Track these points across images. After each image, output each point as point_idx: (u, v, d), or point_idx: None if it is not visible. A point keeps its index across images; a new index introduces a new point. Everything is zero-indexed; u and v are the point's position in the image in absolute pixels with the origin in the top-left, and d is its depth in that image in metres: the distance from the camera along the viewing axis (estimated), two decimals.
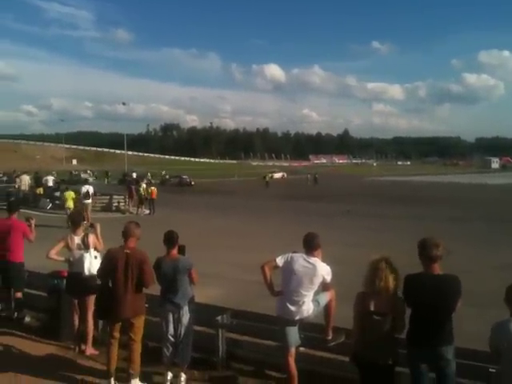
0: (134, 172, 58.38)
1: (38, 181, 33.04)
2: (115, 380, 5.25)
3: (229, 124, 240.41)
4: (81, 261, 6.12)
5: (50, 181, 33.32)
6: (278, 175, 78.55)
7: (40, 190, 28.99)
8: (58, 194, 26.29)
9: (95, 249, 6.24)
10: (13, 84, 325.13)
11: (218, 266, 11.46)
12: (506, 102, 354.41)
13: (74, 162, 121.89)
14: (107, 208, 26.76)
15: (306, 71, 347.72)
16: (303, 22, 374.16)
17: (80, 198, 21.72)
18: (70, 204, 21.33)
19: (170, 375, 5.38)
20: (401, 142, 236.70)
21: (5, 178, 44.85)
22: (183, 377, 5.36)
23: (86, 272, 6.07)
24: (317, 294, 4.93)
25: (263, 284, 4.97)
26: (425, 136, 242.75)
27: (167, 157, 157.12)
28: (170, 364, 5.42)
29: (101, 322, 6.57)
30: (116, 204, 27.55)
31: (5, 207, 8.11)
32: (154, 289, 5.43)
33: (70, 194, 21.81)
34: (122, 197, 28.26)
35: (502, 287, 3.77)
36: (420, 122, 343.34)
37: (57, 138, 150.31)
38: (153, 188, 27.41)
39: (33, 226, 7.55)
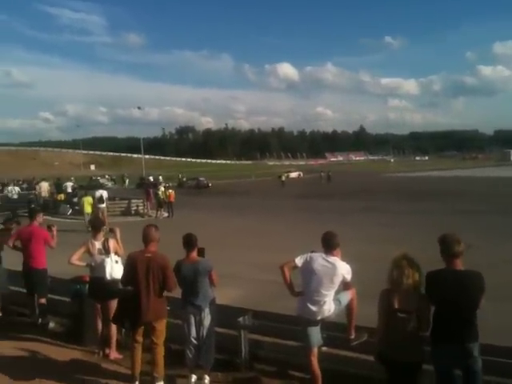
0: (151, 176, 58.77)
1: (59, 187, 33.43)
2: (140, 383, 5.29)
3: (243, 125, 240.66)
4: (102, 265, 6.17)
5: (69, 187, 33.72)
6: (294, 174, 78.11)
7: (61, 197, 29.36)
8: (75, 199, 26.58)
9: (116, 253, 6.28)
10: (28, 91, 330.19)
11: (236, 267, 11.46)
12: None
13: (92, 167, 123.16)
14: (126, 212, 26.95)
15: (318, 68, 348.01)
16: (314, 19, 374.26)
17: (95, 203, 22.06)
18: (88, 209, 21.64)
19: (193, 377, 5.40)
20: (417, 137, 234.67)
21: (25, 186, 45.47)
22: (207, 379, 5.38)
23: (108, 277, 6.12)
24: (338, 293, 4.91)
25: (282, 284, 4.97)
26: (441, 130, 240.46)
27: (183, 159, 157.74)
28: (193, 366, 5.45)
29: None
30: (135, 208, 27.74)
31: (27, 214, 8.24)
32: (176, 291, 5.46)
33: (88, 200, 22.09)
34: (141, 200, 28.44)
35: None
36: (436, 116, 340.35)
37: (74, 144, 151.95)
38: (171, 191, 27.55)
39: (55, 233, 7.66)
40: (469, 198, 31.15)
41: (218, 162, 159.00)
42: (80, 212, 22.72)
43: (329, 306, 4.82)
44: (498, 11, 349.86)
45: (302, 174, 79.02)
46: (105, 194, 23.24)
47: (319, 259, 4.85)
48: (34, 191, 34.34)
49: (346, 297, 4.95)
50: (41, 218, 7.99)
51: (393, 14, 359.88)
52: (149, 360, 5.40)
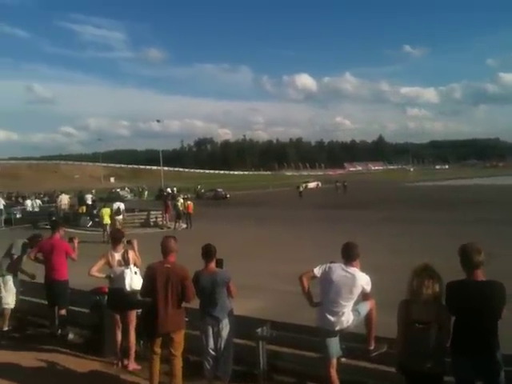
0: (169, 187, 59.27)
1: (81, 200, 33.84)
2: None
3: (262, 136, 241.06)
4: (122, 277, 6.21)
5: (89, 199, 34.12)
6: (312, 184, 78.04)
7: (83, 209, 29.72)
8: (95, 211, 26.93)
9: (135, 264, 6.32)
10: (50, 106, 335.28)
11: (255, 277, 11.43)
12: None
13: (112, 179, 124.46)
14: (145, 224, 27.13)
15: (337, 79, 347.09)
16: (331, 29, 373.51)
17: (113, 215, 22.62)
18: (107, 220, 22.16)
19: None
20: (438, 145, 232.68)
21: (46, 198, 46.13)
22: None
23: (128, 288, 6.15)
24: (356, 303, 4.87)
25: (301, 295, 4.94)
26: (462, 139, 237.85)
27: (202, 171, 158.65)
28: (211, 377, 5.43)
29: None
30: (154, 219, 27.91)
31: (48, 226, 8.36)
32: (194, 302, 5.46)
33: (107, 211, 22.64)
34: (160, 212, 28.61)
35: None
36: (456, 125, 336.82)
37: (94, 158, 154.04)
38: (189, 202, 27.70)
39: (76, 245, 7.75)
40: (489, 207, 30.71)
41: (237, 173, 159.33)
42: (100, 224, 23.12)
43: (347, 317, 4.78)
44: None
45: (320, 184, 78.83)
46: (122, 205, 23.88)
47: (338, 270, 4.82)
48: (54, 204, 34.78)
49: (365, 307, 4.90)
50: (63, 230, 8.11)
51: (412, 23, 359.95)
52: (167, 371, 5.40)
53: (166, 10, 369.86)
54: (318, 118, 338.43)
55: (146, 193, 65.58)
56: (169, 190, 55.45)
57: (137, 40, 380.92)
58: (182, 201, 27.76)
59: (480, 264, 3.78)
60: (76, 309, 7.75)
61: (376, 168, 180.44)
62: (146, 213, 28.77)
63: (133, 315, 6.33)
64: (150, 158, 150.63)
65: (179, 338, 5.32)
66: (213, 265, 5.45)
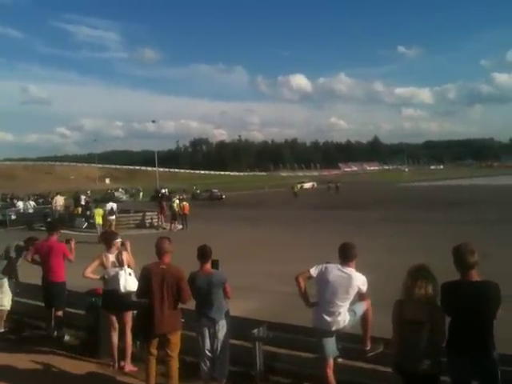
0: (164, 188, 59.20)
1: (76, 201, 33.73)
2: None
3: (257, 136, 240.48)
4: (116, 278, 6.19)
5: (83, 200, 34.04)
6: (308, 185, 78.44)
7: (78, 210, 29.66)
8: (89, 212, 26.97)
9: (129, 266, 6.31)
10: (45, 107, 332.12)
11: (251, 278, 11.43)
12: None
13: (107, 180, 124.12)
14: (141, 225, 27.11)
15: (331, 79, 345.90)
16: (326, 30, 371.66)
17: (105, 215, 23.24)
18: (99, 220, 22.87)
19: None
20: (433, 146, 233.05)
21: (41, 200, 45.94)
22: None
23: (122, 289, 6.13)
24: (353, 303, 4.88)
25: (297, 295, 4.95)
26: (457, 139, 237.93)
27: (197, 171, 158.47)
28: (208, 379, 5.43)
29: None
30: (149, 220, 27.89)
31: (43, 228, 8.33)
32: (190, 303, 5.46)
33: (99, 212, 23.34)
34: (155, 213, 28.60)
35: None
36: (451, 125, 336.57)
37: (90, 159, 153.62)
38: (185, 203, 27.71)
39: (73, 246, 7.74)
40: (484, 207, 30.85)
41: (232, 173, 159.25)
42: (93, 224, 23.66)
43: (343, 317, 4.79)
44: (509, 18, 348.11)
45: (315, 185, 79.07)
46: (115, 206, 24.68)
47: (335, 270, 4.83)
48: (49, 205, 34.61)
49: (361, 308, 4.91)
50: (59, 232, 8.10)
51: (406, 23, 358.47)
52: (163, 372, 5.39)
53: (161, 11, 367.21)
54: (313, 118, 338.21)
55: (141, 194, 65.47)
56: (163, 190, 55.46)
57: (132, 40, 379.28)
58: (177, 202, 27.76)
59: (474, 264, 3.78)
60: (72, 310, 7.72)
61: (371, 168, 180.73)
62: (141, 214, 28.77)
63: (129, 316, 6.31)
64: (146, 158, 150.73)
65: (175, 339, 5.32)
66: (209, 266, 5.45)
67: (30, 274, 8.22)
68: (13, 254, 8.12)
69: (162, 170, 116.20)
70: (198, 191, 62.49)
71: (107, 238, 6.79)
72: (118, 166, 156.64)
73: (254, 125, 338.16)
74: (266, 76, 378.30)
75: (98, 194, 55.69)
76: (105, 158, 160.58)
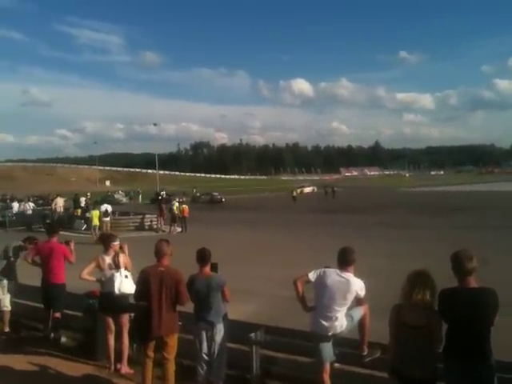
0: (163, 191, 59.21)
1: (76, 202, 33.72)
2: None
3: (258, 140, 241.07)
4: (111, 280, 6.18)
5: (82, 202, 34.04)
6: (308, 189, 78.45)
7: (78, 212, 29.67)
8: (87, 214, 27.04)
9: (126, 268, 6.30)
10: (47, 110, 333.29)
11: (250, 282, 11.41)
12: None
13: (108, 183, 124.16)
14: (140, 227, 27.12)
15: (333, 84, 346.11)
16: (328, 34, 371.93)
17: (101, 217, 23.80)
18: (96, 222, 23.39)
19: None
20: (434, 151, 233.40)
21: (40, 201, 45.91)
22: None
23: (117, 291, 6.11)
24: (350, 308, 4.86)
25: (295, 299, 4.93)
26: (458, 145, 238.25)
27: (198, 175, 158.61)
28: (204, 382, 5.40)
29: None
30: (149, 223, 27.88)
31: (42, 229, 8.32)
32: (188, 306, 5.45)
33: (95, 213, 23.87)
34: (155, 216, 28.59)
35: None
36: (453, 131, 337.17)
37: (90, 161, 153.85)
38: (185, 206, 27.70)
39: (72, 247, 7.73)
40: (486, 213, 30.83)
41: (233, 177, 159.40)
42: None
43: (341, 322, 4.77)
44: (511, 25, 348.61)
45: (316, 189, 79.08)
46: (110, 208, 25.21)
47: (333, 275, 4.81)
48: (49, 207, 34.55)
49: (359, 313, 4.89)
50: (59, 233, 8.10)
51: (408, 29, 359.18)
52: (159, 375, 5.39)
53: (163, 15, 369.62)
54: (314, 123, 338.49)
55: (141, 196, 65.46)
56: (163, 193, 55.47)
57: (134, 44, 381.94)
58: (177, 204, 27.76)
59: (472, 270, 3.77)
60: (69, 312, 7.70)
61: (372, 173, 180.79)
62: (140, 216, 28.77)
63: (125, 319, 6.30)
64: (146, 161, 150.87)
65: (173, 342, 5.31)
66: (208, 269, 5.44)
67: (27, 274, 8.23)
68: (11, 254, 8.12)
69: (162, 172, 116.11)
70: (198, 194, 62.52)
71: (105, 240, 6.79)
72: (118, 169, 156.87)
73: (255, 129, 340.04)
74: (267, 80, 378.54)
75: (98, 196, 55.69)
76: (105, 159, 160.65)
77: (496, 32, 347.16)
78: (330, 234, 20.73)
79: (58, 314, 7.45)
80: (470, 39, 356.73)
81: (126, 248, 6.56)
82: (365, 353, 4.96)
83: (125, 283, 6.12)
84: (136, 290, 5.59)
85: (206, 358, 5.36)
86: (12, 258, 8.13)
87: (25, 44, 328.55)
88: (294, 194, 57.37)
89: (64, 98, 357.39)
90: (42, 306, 7.69)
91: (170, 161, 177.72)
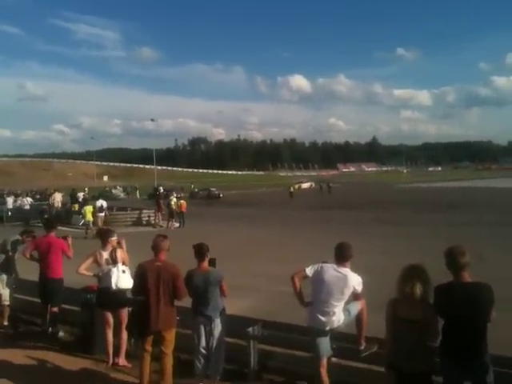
0: (161, 186, 59.07)
1: (73, 198, 33.64)
2: None
3: (256, 136, 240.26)
4: (108, 275, 6.18)
5: (81, 197, 33.97)
6: (305, 185, 78.81)
7: (75, 207, 29.61)
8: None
9: (123, 263, 6.31)
10: (43, 104, 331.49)
11: (247, 277, 11.42)
12: None
13: (105, 178, 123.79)
14: (138, 222, 27.09)
15: (331, 80, 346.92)
16: (326, 31, 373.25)
17: (95, 212, 23.78)
18: (89, 217, 23.27)
19: None
20: (431, 147, 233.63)
21: (38, 196, 45.79)
22: None
23: (113, 286, 6.11)
24: (347, 303, 4.88)
25: (292, 294, 4.95)
26: (455, 141, 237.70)
27: (196, 170, 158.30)
28: (202, 376, 5.43)
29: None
30: (146, 218, 27.85)
31: (39, 224, 8.32)
32: (185, 301, 5.47)
33: (89, 208, 23.80)
34: (152, 211, 28.56)
35: None
36: (450, 127, 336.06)
37: (87, 156, 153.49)
38: (182, 201, 27.68)
39: (69, 243, 7.73)
40: (482, 209, 30.91)
41: (230, 172, 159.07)
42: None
43: (338, 317, 4.80)
44: (509, 22, 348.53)
45: (313, 185, 79.25)
46: (104, 203, 25.32)
47: (330, 270, 4.83)
48: (47, 202, 34.45)
49: (356, 307, 4.92)
50: (57, 229, 8.11)
51: (405, 26, 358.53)
52: (157, 369, 5.40)
53: (159, 10, 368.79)
54: (312, 119, 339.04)
55: (138, 191, 65.31)
56: (161, 188, 55.30)
57: (130, 39, 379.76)
58: (175, 200, 27.72)
59: (465, 265, 3.80)
60: (67, 307, 7.72)
61: (369, 169, 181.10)
62: (138, 211, 28.73)
63: (124, 313, 6.31)
64: (144, 156, 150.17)
65: (170, 337, 5.33)
66: (205, 264, 5.45)
67: (24, 269, 8.24)
68: (9, 248, 8.11)
69: (160, 168, 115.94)
70: (196, 190, 62.46)
71: (102, 236, 6.79)
72: (116, 164, 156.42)
73: (253, 124, 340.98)
74: (264, 76, 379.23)
75: (95, 191, 55.62)
76: (102, 155, 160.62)
77: (493, 29, 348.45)
78: (326, 230, 20.77)
79: (55, 309, 7.47)
80: (467, 36, 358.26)
81: (123, 243, 6.56)
82: (362, 347, 4.99)
83: (122, 278, 6.12)
84: (134, 285, 5.61)
85: (203, 352, 5.39)
86: (10, 253, 8.13)
87: (21, 38, 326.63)
88: (292, 189, 57.43)
89: (60, 93, 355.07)
90: (40, 300, 7.71)
91: (168, 156, 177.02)
